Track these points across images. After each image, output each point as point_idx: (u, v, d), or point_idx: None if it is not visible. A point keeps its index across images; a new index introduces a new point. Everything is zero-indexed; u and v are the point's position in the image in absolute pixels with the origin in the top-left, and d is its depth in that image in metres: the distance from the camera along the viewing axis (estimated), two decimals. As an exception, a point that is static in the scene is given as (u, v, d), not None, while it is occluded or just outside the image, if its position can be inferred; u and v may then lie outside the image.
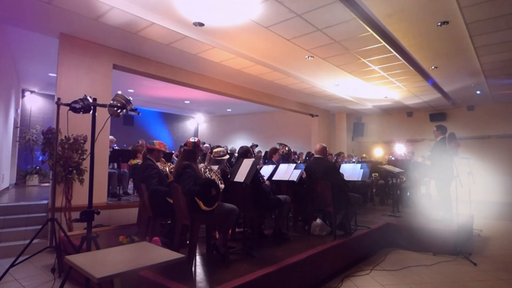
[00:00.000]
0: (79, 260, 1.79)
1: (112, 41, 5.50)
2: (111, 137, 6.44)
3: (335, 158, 8.98)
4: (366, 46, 5.67)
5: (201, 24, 4.87)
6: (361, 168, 4.97)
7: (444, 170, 5.11)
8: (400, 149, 8.44)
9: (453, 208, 5.20)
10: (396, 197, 6.49)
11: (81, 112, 2.77)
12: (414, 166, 7.76)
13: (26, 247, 3.37)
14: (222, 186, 3.45)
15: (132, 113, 3.00)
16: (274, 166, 4.94)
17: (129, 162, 6.39)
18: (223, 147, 4.79)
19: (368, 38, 5.25)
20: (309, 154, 8.30)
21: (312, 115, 11.72)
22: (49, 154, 4.36)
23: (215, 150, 3.99)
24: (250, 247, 3.50)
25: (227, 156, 4.03)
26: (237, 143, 13.20)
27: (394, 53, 5.82)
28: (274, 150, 5.57)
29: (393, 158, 8.23)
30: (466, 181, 4.91)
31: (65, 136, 4.43)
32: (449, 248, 4.48)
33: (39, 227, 3.86)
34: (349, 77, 7.59)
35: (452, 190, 4.96)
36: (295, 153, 9.01)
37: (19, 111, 9.54)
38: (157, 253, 1.96)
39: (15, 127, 8.97)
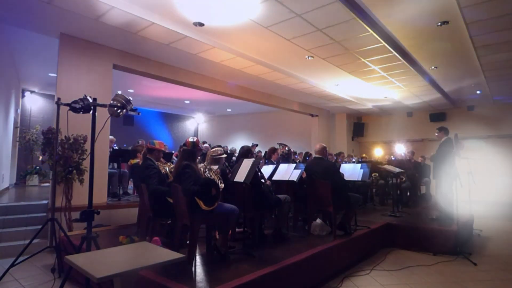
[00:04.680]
0: (79, 260, 1.79)
1: (112, 41, 5.50)
2: (111, 137, 6.44)
3: (335, 158, 8.98)
4: (366, 46, 5.66)
5: (201, 24, 4.87)
6: (361, 168, 4.96)
7: (449, 170, 5.14)
8: (400, 149, 8.43)
9: (454, 208, 5.21)
10: (396, 197, 6.49)
11: (81, 112, 2.77)
12: (414, 166, 7.76)
13: (26, 247, 3.37)
14: (222, 185, 3.45)
15: (132, 113, 3.00)
16: (274, 166, 4.94)
17: (129, 162, 6.41)
18: (223, 147, 4.78)
19: (368, 38, 5.25)
20: (307, 154, 8.30)
21: (312, 115, 11.72)
22: (49, 154, 4.36)
23: (212, 149, 3.98)
24: (250, 247, 3.50)
25: (225, 155, 4.02)
26: (237, 143, 13.19)
27: (394, 53, 5.82)
28: (273, 150, 5.57)
29: (393, 158, 8.23)
30: (466, 181, 4.91)
31: (65, 136, 4.42)
32: (449, 248, 4.48)
33: (39, 227, 3.86)
34: (349, 77, 7.59)
35: (452, 190, 4.97)
36: (295, 153, 9.01)
37: (19, 111, 9.54)
38: (157, 253, 1.96)
39: (15, 127, 8.97)
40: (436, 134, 5.69)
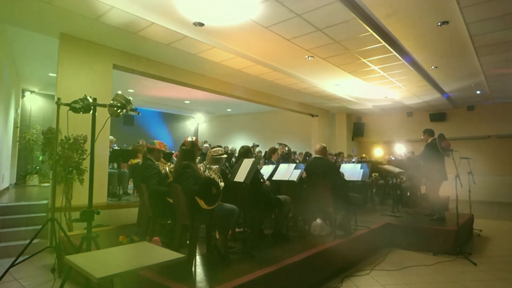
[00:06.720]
0: (79, 260, 1.79)
1: (112, 41, 5.49)
2: (111, 137, 6.44)
3: (335, 158, 8.98)
4: (366, 46, 5.66)
5: (201, 24, 4.87)
6: (361, 168, 4.97)
7: (435, 171, 5.16)
8: (400, 149, 8.43)
9: (443, 207, 5.24)
10: (396, 197, 6.49)
11: (81, 112, 2.78)
12: (414, 166, 7.75)
13: (26, 247, 3.37)
14: (222, 184, 3.45)
15: (132, 113, 3.00)
16: (274, 166, 4.93)
17: (129, 162, 6.41)
18: (223, 147, 4.78)
19: (368, 38, 5.25)
20: (307, 154, 8.30)
21: (312, 115, 11.72)
22: (49, 154, 4.36)
23: (213, 149, 3.99)
24: (250, 247, 3.50)
25: (225, 156, 4.02)
26: (237, 143, 13.19)
27: (394, 53, 5.82)
28: (273, 150, 5.57)
29: (393, 158, 8.23)
30: (466, 181, 4.91)
31: (65, 136, 4.42)
32: (449, 248, 4.48)
33: (39, 227, 3.86)
34: (349, 77, 7.59)
35: (451, 190, 4.97)
36: (295, 153, 9.01)
37: (19, 111, 9.54)
38: (157, 253, 1.96)
39: (15, 127, 8.97)
40: (422, 137, 5.72)
